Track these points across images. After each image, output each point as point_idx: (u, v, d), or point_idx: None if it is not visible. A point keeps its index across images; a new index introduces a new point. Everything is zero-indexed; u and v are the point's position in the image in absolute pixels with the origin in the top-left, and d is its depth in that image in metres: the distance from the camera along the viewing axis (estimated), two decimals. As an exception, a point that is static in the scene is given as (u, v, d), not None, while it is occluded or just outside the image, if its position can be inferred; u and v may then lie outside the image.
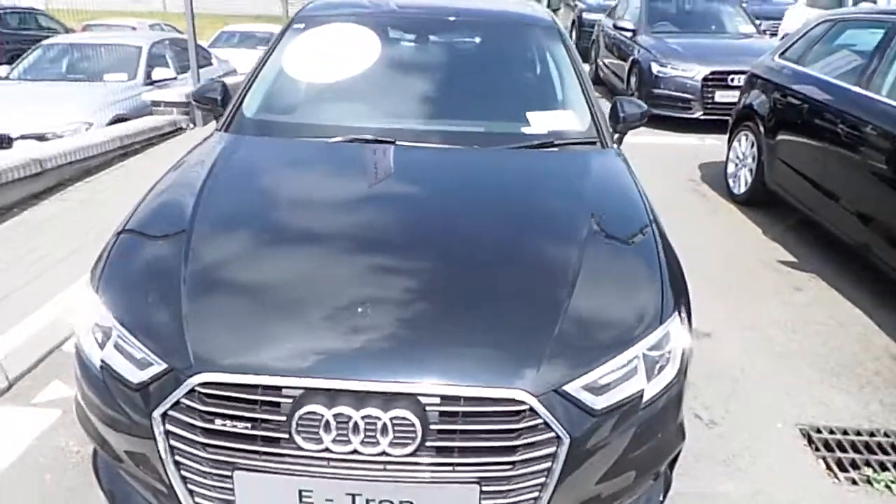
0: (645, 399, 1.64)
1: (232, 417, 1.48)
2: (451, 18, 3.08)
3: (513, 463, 1.49)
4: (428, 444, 1.47)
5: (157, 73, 7.66)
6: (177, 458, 1.52)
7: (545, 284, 1.77)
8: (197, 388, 1.49)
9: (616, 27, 9.48)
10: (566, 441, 1.50)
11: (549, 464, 1.50)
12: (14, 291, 3.15)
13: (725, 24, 9.20)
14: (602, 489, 1.63)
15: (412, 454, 1.46)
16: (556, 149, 2.50)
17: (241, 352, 1.54)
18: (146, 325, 1.62)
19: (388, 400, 1.46)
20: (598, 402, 1.57)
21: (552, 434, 1.49)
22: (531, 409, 1.49)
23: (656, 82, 7.87)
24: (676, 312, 1.80)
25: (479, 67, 2.96)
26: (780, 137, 4.63)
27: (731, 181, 5.44)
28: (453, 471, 1.48)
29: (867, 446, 2.52)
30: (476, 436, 1.48)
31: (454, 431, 1.48)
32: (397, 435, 1.45)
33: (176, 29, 13.02)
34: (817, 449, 2.50)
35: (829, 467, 2.41)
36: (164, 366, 1.53)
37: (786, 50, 5.03)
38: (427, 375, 1.50)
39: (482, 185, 2.27)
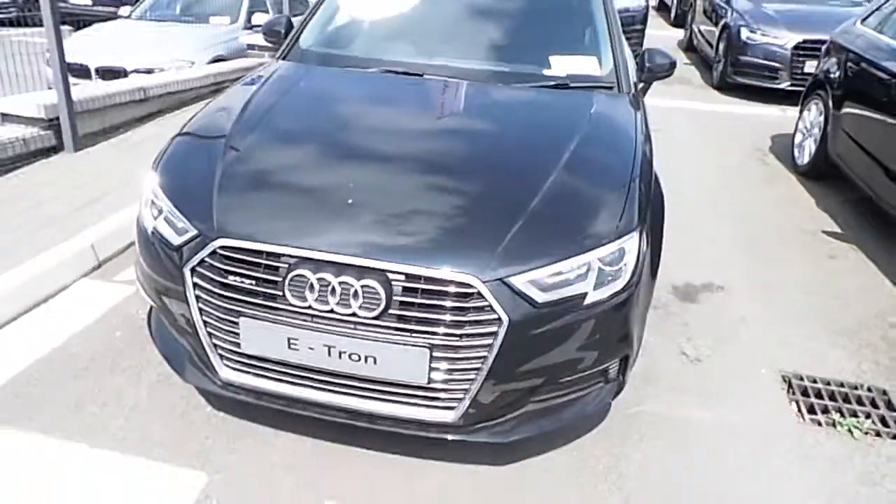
0: (587, 302, 1.88)
1: (241, 275, 1.86)
2: None
3: (459, 335, 1.79)
4: (390, 311, 1.80)
5: (256, 18, 8.22)
6: (200, 304, 1.93)
7: (516, 192, 2.04)
8: (217, 250, 1.88)
9: (712, -11, 9.12)
10: (505, 323, 1.78)
11: (490, 340, 1.79)
12: (112, 191, 3.73)
13: (838, -12, 8.62)
14: (542, 374, 1.91)
15: (377, 318, 1.79)
16: (570, 90, 2.70)
17: (253, 224, 1.91)
18: (186, 202, 2.03)
19: (362, 272, 1.79)
20: (541, 297, 1.83)
21: (495, 316, 1.78)
22: (479, 293, 1.78)
23: (743, 49, 7.59)
24: (636, 233, 2.00)
25: (515, 15, 3.17)
26: (845, 107, 4.50)
27: (796, 151, 5.32)
28: (410, 336, 1.80)
29: (845, 397, 2.62)
30: (431, 310, 1.79)
31: (413, 304, 1.80)
32: (366, 300, 1.78)
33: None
34: (794, 393, 2.62)
35: (799, 409, 2.54)
36: (195, 232, 1.93)
37: (868, 16, 4.81)
38: (396, 256, 1.81)
39: (490, 113, 2.55)
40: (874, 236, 4.07)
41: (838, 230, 4.18)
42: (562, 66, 2.79)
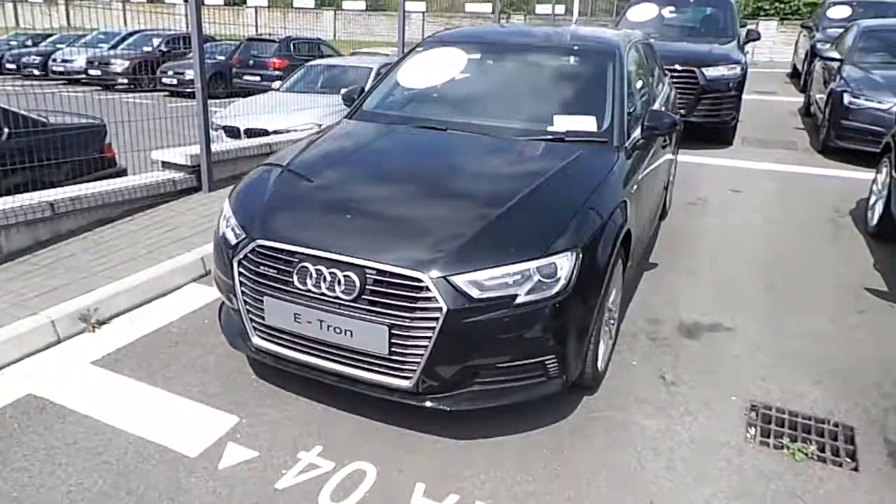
0: (516, 302, 2.38)
1: (267, 265, 2.60)
2: (527, 46, 3.97)
3: (412, 318, 2.37)
4: (363, 297, 2.42)
5: (379, 90, 9.49)
6: (242, 288, 2.68)
7: (479, 212, 2.62)
8: (256, 248, 2.64)
9: (823, 57, 9.03)
10: (444, 310, 2.33)
11: (434, 324, 2.35)
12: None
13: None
14: (479, 356, 2.42)
15: (354, 300, 2.43)
16: (565, 143, 3.23)
17: (281, 231, 2.66)
18: (242, 214, 2.83)
19: (345, 266, 2.45)
20: (476, 293, 2.37)
21: (438, 305, 2.34)
22: (426, 287, 2.35)
23: (846, 113, 7.48)
24: (569, 253, 2.48)
25: (531, 82, 3.78)
26: (903, 167, 4.50)
27: (869, 213, 5.26)
28: (375, 315, 2.41)
29: (807, 428, 2.77)
30: (392, 297, 2.40)
31: (379, 292, 2.41)
32: (346, 287, 2.43)
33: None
34: (755, 419, 2.83)
35: (752, 431, 2.74)
36: (245, 235, 2.71)
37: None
38: (370, 255, 2.44)
39: (485, 157, 3.18)
40: (923, 297, 4.01)
41: (884, 289, 4.16)
42: (563, 123, 3.32)
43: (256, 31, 23.62)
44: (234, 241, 2.75)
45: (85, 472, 2.41)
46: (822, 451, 2.63)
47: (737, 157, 7.73)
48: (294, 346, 2.62)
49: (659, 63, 5.20)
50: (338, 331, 2.47)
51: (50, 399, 2.82)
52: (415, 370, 2.42)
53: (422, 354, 2.39)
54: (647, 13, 9.23)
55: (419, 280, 2.37)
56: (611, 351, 3.20)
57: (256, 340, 2.71)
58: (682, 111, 7.69)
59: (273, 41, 16.86)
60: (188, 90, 16.54)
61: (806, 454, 2.60)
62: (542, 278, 2.43)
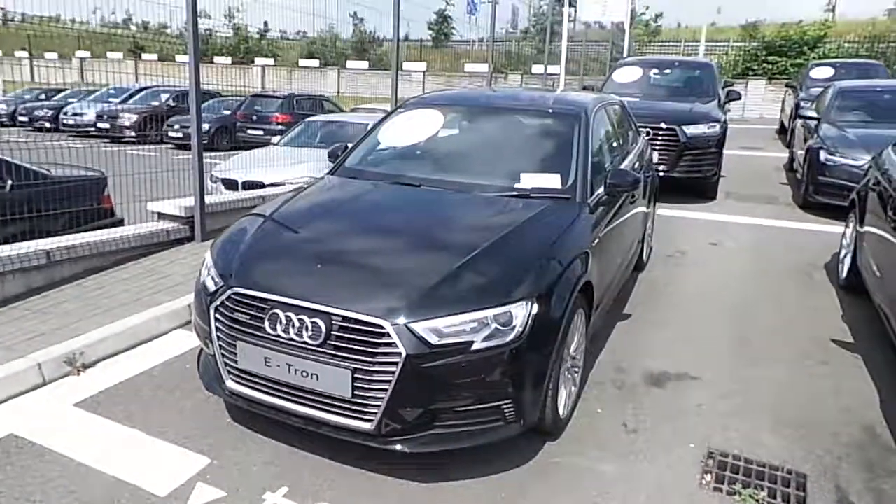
0: (473, 348, 2.52)
1: (241, 311, 2.75)
2: (501, 109, 4.25)
3: (373, 363, 2.51)
4: (329, 342, 2.57)
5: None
6: (217, 333, 2.82)
7: (441, 263, 2.79)
8: (232, 295, 2.79)
9: (801, 116, 9.37)
10: (404, 355, 2.47)
11: (394, 368, 2.48)
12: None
13: (934, 114, 8.51)
14: (438, 400, 2.54)
15: (320, 345, 2.57)
16: (530, 199, 3.42)
17: (255, 280, 2.82)
18: (222, 264, 3.00)
19: (313, 313, 2.60)
20: (435, 340, 2.51)
21: (398, 350, 2.48)
22: (387, 333, 2.50)
23: (822, 169, 7.71)
24: (524, 302, 2.63)
25: (503, 142, 4.02)
26: (866, 221, 4.68)
27: (839, 266, 5.41)
28: (340, 360, 2.54)
29: (760, 475, 2.85)
30: (356, 342, 2.54)
31: (344, 337, 2.55)
32: (313, 332, 2.58)
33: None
34: (710, 465, 2.91)
35: (706, 477, 2.83)
36: (222, 283, 2.87)
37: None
38: (336, 303, 2.60)
39: (452, 212, 3.38)
40: (885, 350, 4.11)
41: (850, 341, 4.27)
42: (529, 180, 3.53)
43: (262, 88, 24.48)
44: (212, 288, 2.91)
45: (57, 509, 2.51)
46: (774, 497, 2.71)
47: (718, 211, 7.95)
48: (264, 390, 2.74)
49: (633, 124, 5.47)
50: (305, 374, 2.60)
51: (30, 439, 2.93)
52: (376, 413, 2.54)
53: (382, 398, 2.52)
54: (631, 75, 9.64)
55: (381, 327, 2.51)
56: (576, 398, 3.31)
57: (230, 384, 2.84)
58: (663, 167, 7.99)
59: (277, 97, 17.45)
60: (193, 143, 16.80)
61: (756, 500, 2.68)
62: (499, 326, 2.58)
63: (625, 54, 19.68)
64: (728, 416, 3.32)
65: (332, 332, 2.57)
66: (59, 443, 2.91)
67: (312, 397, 2.63)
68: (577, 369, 3.30)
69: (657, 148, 7.95)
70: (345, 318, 2.57)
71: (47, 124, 19.43)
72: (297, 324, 2.61)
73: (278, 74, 28.35)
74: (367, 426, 2.57)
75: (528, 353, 2.64)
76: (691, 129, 8.00)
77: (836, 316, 4.73)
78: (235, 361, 2.77)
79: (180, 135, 16.77)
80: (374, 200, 3.60)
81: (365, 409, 2.56)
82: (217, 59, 29.34)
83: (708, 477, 2.84)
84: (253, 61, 27.56)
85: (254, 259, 2.98)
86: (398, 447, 2.59)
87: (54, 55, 19.02)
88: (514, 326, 2.60)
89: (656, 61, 10.60)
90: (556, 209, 3.35)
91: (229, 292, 2.80)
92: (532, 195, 3.45)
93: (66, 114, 19.06)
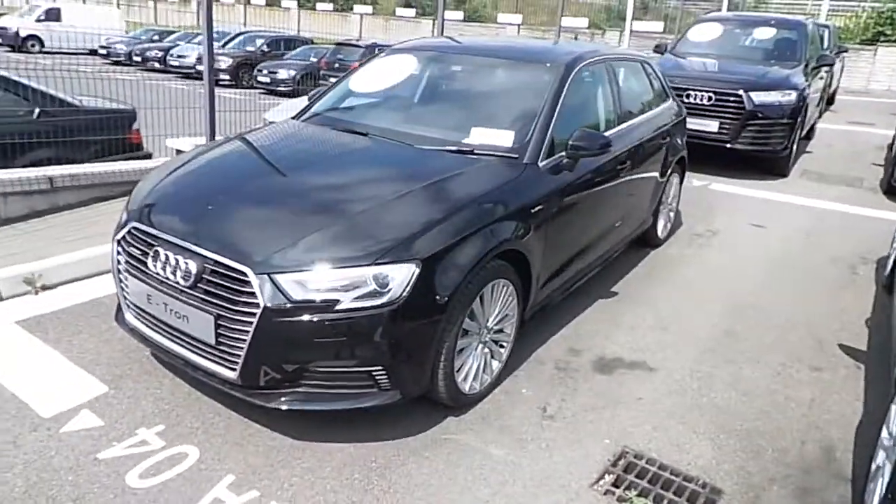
0: (339, 307, 2.35)
1: (134, 246, 2.72)
2: (476, 60, 3.89)
3: (235, 311, 2.40)
4: (199, 285, 2.48)
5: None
6: (118, 266, 2.82)
7: (333, 216, 2.61)
8: (131, 229, 2.77)
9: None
10: (262, 306, 2.34)
11: (252, 319, 2.36)
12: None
13: None
14: (301, 356, 2.40)
15: (190, 287, 2.49)
16: (469, 155, 3.14)
17: (148, 216, 2.77)
18: (131, 200, 2.98)
19: (189, 254, 2.52)
20: (298, 294, 2.36)
21: (258, 301, 2.35)
22: (250, 282, 2.37)
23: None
24: (405, 265, 2.41)
25: (469, 94, 3.70)
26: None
27: (890, 262, 4.66)
28: (207, 304, 2.46)
29: (667, 484, 2.51)
30: (223, 287, 2.44)
31: (212, 282, 2.46)
32: (185, 273, 2.50)
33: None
34: (615, 466, 2.60)
35: (603, 477, 2.52)
36: (126, 217, 2.85)
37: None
38: (210, 246, 2.50)
39: (378, 164, 3.18)
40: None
41: (861, 348, 3.68)
42: (478, 136, 3.23)
43: (360, 37, 24.62)
44: (121, 222, 2.91)
45: (-54, 417, 2.64)
46: (669, 510, 2.38)
47: (782, 191, 7.11)
48: (150, 326, 2.72)
49: (658, 86, 4.91)
50: (178, 316, 2.55)
51: (-42, 349, 3.11)
52: (238, 361, 2.45)
53: (242, 347, 2.41)
54: (709, 33, 8.71)
55: (244, 274, 2.39)
56: (498, 374, 3.06)
57: (129, 318, 2.84)
58: (724, 138, 7.23)
59: (359, 46, 17.47)
60: (279, 89, 17.41)
61: (646, 510, 2.36)
62: (377, 287, 2.38)
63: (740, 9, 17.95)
64: (665, 416, 2.95)
65: (203, 276, 2.48)
66: (-17, 355, 3.07)
67: (186, 339, 2.58)
68: (503, 344, 3.04)
69: (717, 116, 7.19)
70: (216, 263, 2.47)
71: (157, 65, 20.59)
72: (173, 263, 2.54)
73: (374, 24, 28.40)
74: (230, 374, 2.49)
75: (406, 320, 2.42)
76: (760, 97, 7.14)
77: (860, 318, 4.09)
78: (125, 291, 2.77)
79: (268, 80, 17.35)
80: (305, 147, 3.43)
81: (229, 358, 2.47)
82: (319, 5, 29.86)
83: (607, 477, 2.54)
84: (352, 9, 27.71)
85: (158, 197, 2.93)
86: (261, 401, 2.49)
87: (175, -1, 19.98)
88: (391, 289, 2.39)
89: (739, 19, 9.51)
90: (493, 169, 3.05)
91: (129, 226, 2.78)
92: (476, 152, 3.16)
93: (171, 56, 20.10)
